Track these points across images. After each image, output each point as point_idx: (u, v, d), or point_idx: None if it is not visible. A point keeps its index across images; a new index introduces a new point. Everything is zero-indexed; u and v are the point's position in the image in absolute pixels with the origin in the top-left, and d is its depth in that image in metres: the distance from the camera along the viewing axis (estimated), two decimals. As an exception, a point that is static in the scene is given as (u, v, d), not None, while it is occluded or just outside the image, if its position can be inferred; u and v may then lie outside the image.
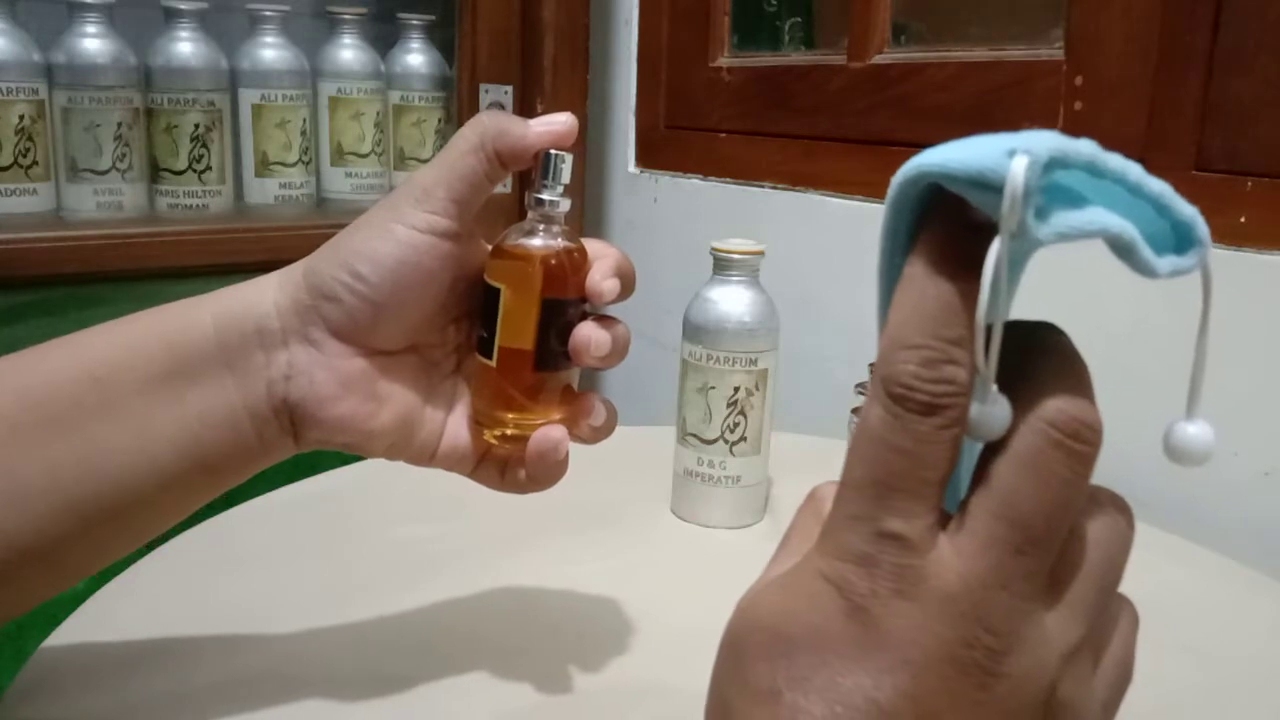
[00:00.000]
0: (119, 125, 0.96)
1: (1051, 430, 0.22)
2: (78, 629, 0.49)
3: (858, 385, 0.67)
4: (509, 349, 0.40)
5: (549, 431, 0.41)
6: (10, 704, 0.43)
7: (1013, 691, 0.22)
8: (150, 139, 0.99)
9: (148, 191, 1.00)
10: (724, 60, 1.08)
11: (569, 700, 0.46)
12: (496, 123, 0.39)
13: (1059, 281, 0.71)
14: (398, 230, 0.39)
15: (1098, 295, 0.72)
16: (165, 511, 0.40)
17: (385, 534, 0.61)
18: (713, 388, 0.62)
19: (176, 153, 0.99)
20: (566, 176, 0.41)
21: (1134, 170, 0.22)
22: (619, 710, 0.45)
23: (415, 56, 1.12)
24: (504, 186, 1.03)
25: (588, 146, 1.15)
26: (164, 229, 0.96)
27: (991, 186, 0.20)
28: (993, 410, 0.22)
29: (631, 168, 1.19)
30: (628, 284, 0.41)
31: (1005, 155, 0.20)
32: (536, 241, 0.41)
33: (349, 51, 1.08)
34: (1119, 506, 0.25)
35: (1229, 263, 0.67)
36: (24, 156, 0.92)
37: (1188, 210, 0.23)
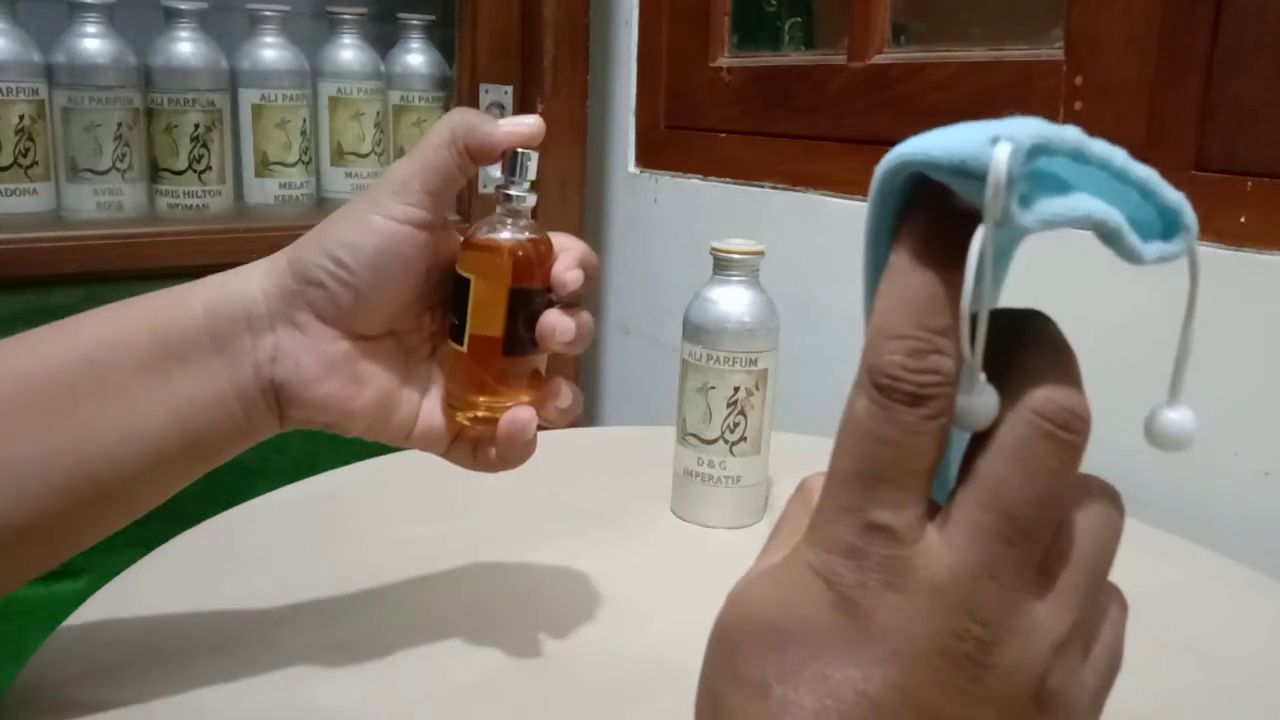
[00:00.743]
0: (119, 125, 0.96)
1: (1040, 420, 0.22)
2: (78, 629, 0.49)
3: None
4: (479, 335, 0.43)
5: (517, 413, 0.43)
6: (10, 704, 0.43)
7: (1003, 682, 0.22)
8: (150, 139, 0.99)
9: (148, 191, 1.00)
10: (724, 60, 1.08)
11: (569, 700, 0.46)
12: (467, 120, 0.42)
13: (1055, 276, 0.71)
14: (377, 220, 0.41)
15: (1095, 291, 0.72)
16: (156, 488, 0.42)
17: (385, 534, 0.61)
18: (713, 388, 0.62)
19: (176, 153, 0.99)
20: (532, 174, 0.44)
21: (1119, 156, 0.22)
22: (619, 710, 0.45)
23: (415, 56, 1.12)
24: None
25: (588, 146, 1.15)
26: (164, 229, 0.97)
27: (975, 174, 0.20)
28: (980, 400, 0.22)
29: (631, 168, 1.19)
30: (591, 274, 0.44)
31: (988, 143, 0.20)
32: (504, 234, 0.43)
33: (349, 51, 1.08)
34: (1109, 495, 0.25)
35: (1229, 263, 0.67)
36: (24, 156, 0.92)
37: (1174, 196, 0.23)
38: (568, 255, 0.44)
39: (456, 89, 1.12)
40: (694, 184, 1.10)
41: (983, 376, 0.22)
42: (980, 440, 0.22)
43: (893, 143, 0.22)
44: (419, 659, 0.48)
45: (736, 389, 0.62)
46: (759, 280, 0.63)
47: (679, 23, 1.12)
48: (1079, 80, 0.75)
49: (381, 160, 1.11)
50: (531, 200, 0.44)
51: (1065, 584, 0.23)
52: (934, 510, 0.23)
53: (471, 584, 0.55)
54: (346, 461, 0.71)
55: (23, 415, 0.38)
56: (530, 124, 0.43)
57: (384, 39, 1.13)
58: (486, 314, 0.43)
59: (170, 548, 0.57)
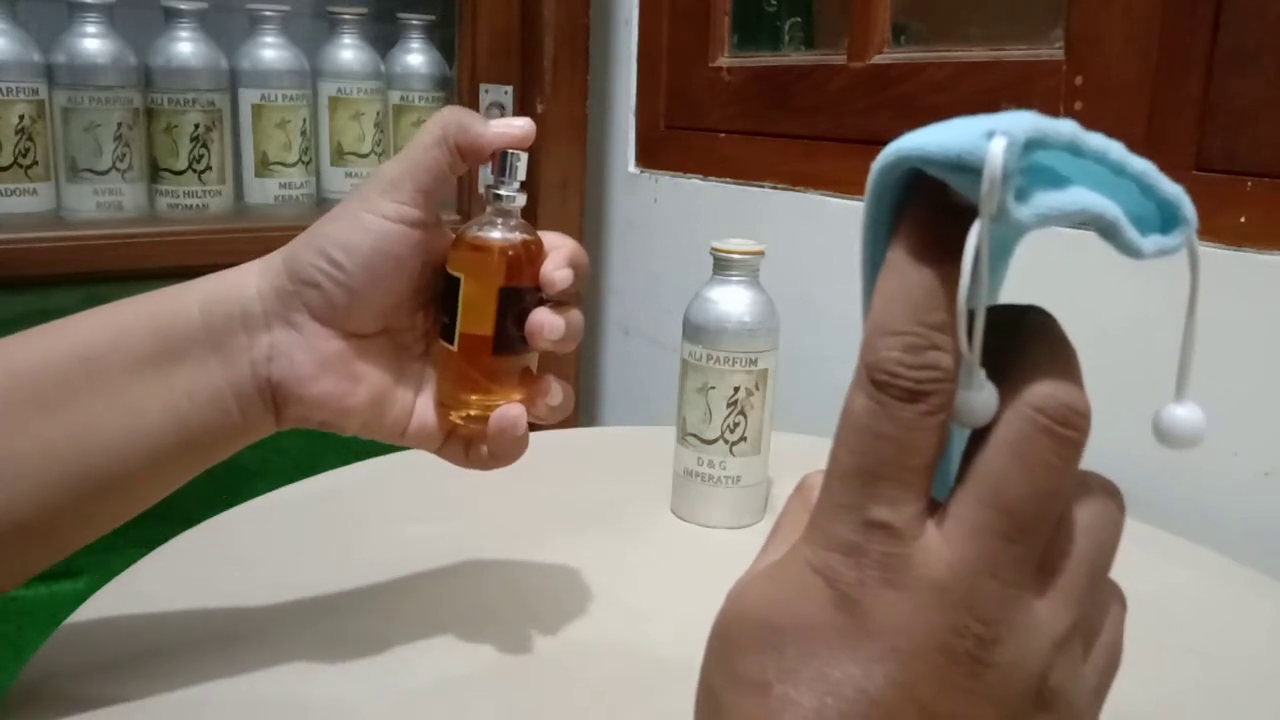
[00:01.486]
0: (119, 125, 0.96)
1: (1039, 416, 0.22)
2: (78, 629, 0.49)
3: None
4: (469, 334, 0.43)
5: (507, 410, 0.43)
6: (10, 704, 0.43)
7: (1004, 679, 0.22)
8: (150, 139, 0.99)
9: (148, 191, 1.00)
10: (724, 60, 1.08)
11: (569, 700, 0.46)
12: (458, 119, 0.42)
13: (1058, 275, 0.71)
14: (369, 219, 0.41)
15: (1098, 291, 0.72)
16: (154, 485, 0.42)
17: (385, 533, 0.61)
18: (713, 388, 0.62)
19: (176, 153, 0.99)
20: (522, 174, 0.44)
21: (1115, 149, 0.22)
22: (619, 709, 0.45)
23: (415, 56, 1.12)
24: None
25: (588, 146, 1.15)
26: (164, 229, 0.97)
27: (970, 169, 0.20)
28: (978, 396, 0.22)
29: (631, 168, 1.19)
30: (581, 273, 0.44)
31: (983, 137, 0.20)
32: (494, 234, 0.44)
33: (349, 51, 1.08)
34: (1109, 492, 0.24)
35: (1229, 263, 0.67)
36: (24, 156, 0.92)
37: (1172, 189, 0.22)
38: (557, 254, 0.44)
39: (456, 89, 1.12)
40: (694, 184, 1.10)
41: (982, 372, 0.22)
42: (980, 436, 0.22)
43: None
44: (419, 659, 0.48)
45: (736, 389, 0.62)
46: (759, 280, 0.63)
47: (679, 23, 1.12)
48: (1079, 80, 0.75)
49: (382, 160, 1.11)
50: (521, 200, 0.44)
51: (1066, 581, 0.23)
52: (933, 507, 0.23)
53: (471, 584, 0.55)
54: (346, 461, 0.71)
55: (19, 412, 0.39)
56: (520, 125, 0.43)
57: (384, 39, 1.13)
58: (476, 313, 0.43)
59: (170, 548, 0.57)
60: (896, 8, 0.92)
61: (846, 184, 0.93)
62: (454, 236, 0.45)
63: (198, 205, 1.01)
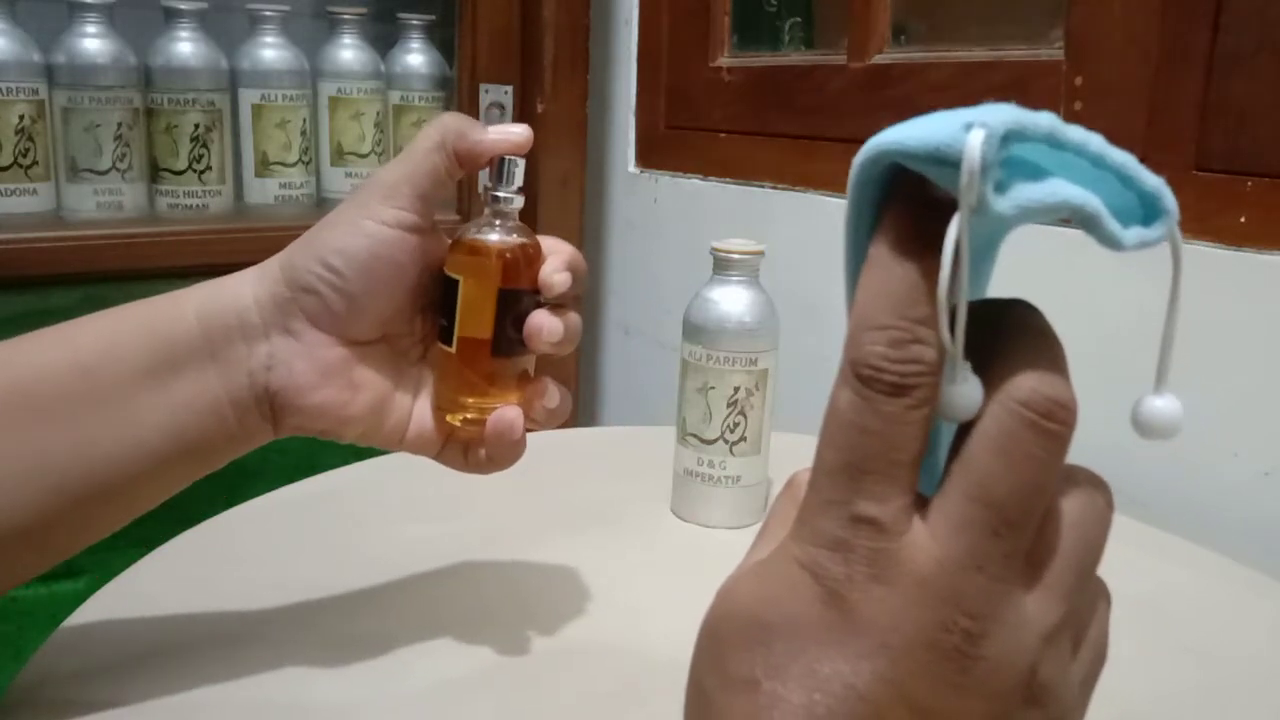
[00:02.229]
0: (119, 125, 0.96)
1: (1024, 410, 0.21)
2: (78, 629, 0.49)
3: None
4: (467, 337, 0.43)
5: (504, 413, 0.43)
6: (10, 704, 0.43)
7: (992, 674, 0.22)
8: (150, 139, 0.99)
9: (148, 191, 1.00)
10: (724, 60, 1.08)
11: (569, 700, 0.46)
12: (457, 125, 0.42)
13: (1059, 275, 0.71)
14: (367, 225, 0.41)
15: (1101, 292, 0.72)
16: (150, 493, 0.42)
17: (385, 533, 0.61)
18: (713, 388, 0.62)
19: (176, 153, 0.99)
20: (519, 179, 0.44)
21: (1095, 141, 0.22)
22: (619, 709, 0.45)
23: (415, 56, 1.12)
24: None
25: (588, 146, 1.15)
26: (164, 229, 0.97)
27: (949, 161, 0.20)
28: (963, 390, 0.22)
29: (631, 168, 1.19)
30: (579, 277, 0.44)
31: (962, 129, 0.20)
32: (493, 236, 0.44)
33: (349, 51, 1.08)
34: (1097, 485, 0.24)
35: (1229, 263, 0.67)
36: (24, 156, 0.92)
37: (1152, 180, 0.22)
38: (556, 258, 0.44)
39: (456, 89, 1.12)
40: (694, 184, 1.10)
41: (966, 366, 0.22)
42: (966, 431, 0.22)
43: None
44: (419, 659, 0.48)
45: (736, 389, 0.62)
46: (759, 280, 0.63)
47: (679, 23, 1.12)
48: (1079, 80, 0.75)
49: (381, 160, 1.11)
50: (519, 202, 0.44)
51: (1053, 575, 0.23)
52: (920, 502, 0.23)
53: (471, 584, 0.55)
54: (347, 461, 0.71)
55: (16, 420, 0.38)
56: (518, 132, 0.43)
57: (384, 39, 1.13)
58: (475, 315, 0.43)
59: (170, 548, 0.57)
60: (896, 8, 0.92)
61: (846, 184, 0.93)
62: (452, 239, 0.45)
63: (198, 205, 1.01)
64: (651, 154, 1.17)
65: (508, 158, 0.43)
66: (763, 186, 1.02)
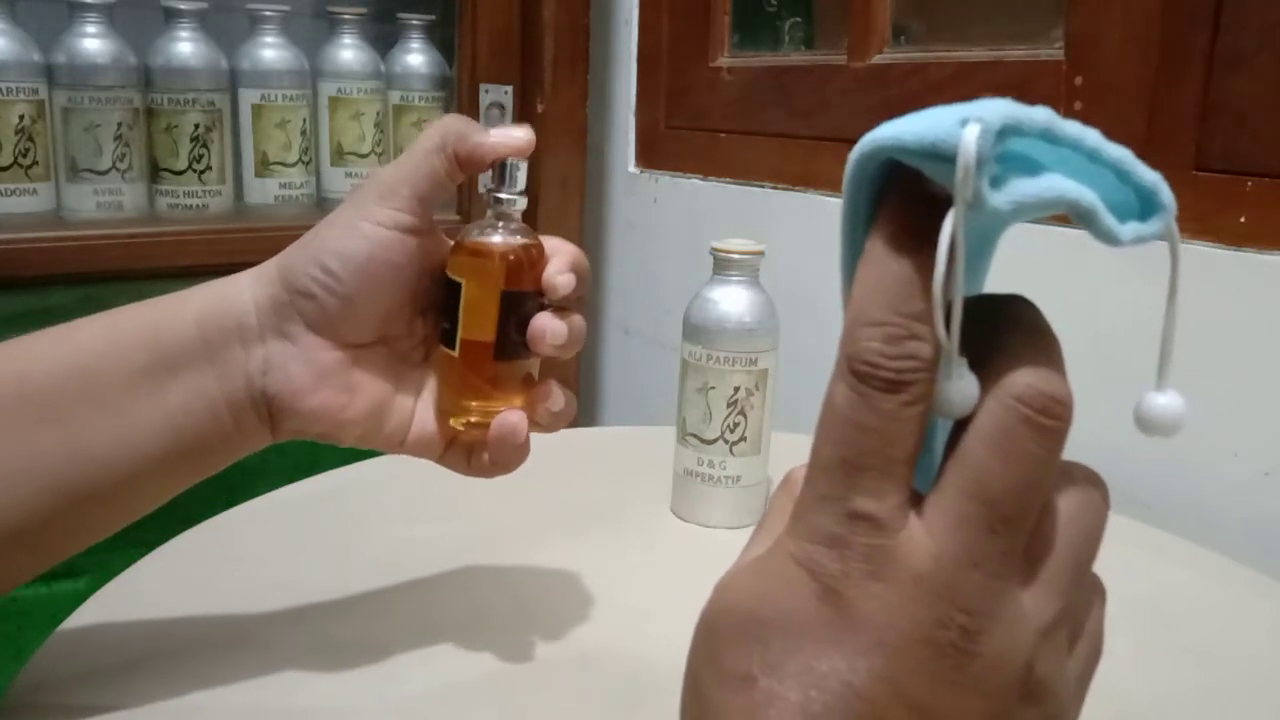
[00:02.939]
0: (119, 125, 0.96)
1: (1020, 406, 0.21)
2: (78, 629, 0.49)
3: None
4: (470, 340, 0.43)
5: (508, 416, 0.43)
6: (10, 704, 0.43)
7: (989, 670, 0.22)
8: (150, 139, 0.99)
9: (148, 191, 1.00)
10: (724, 60, 1.08)
11: (569, 700, 0.46)
12: (458, 128, 0.42)
13: (1063, 276, 0.71)
14: (365, 227, 0.41)
15: (1104, 292, 0.72)
16: (147, 496, 0.42)
17: (385, 534, 0.61)
18: (713, 388, 0.62)
19: (176, 153, 0.99)
20: (522, 181, 0.44)
21: (1091, 136, 0.22)
22: (619, 710, 0.45)
23: (415, 56, 1.12)
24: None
25: (588, 146, 1.15)
26: (164, 229, 0.97)
27: (945, 157, 0.20)
28: (959, 386, 0.22)
29: (631, 168, 1.19)
30: (583, 279, 0.44)
31: (957, 124, 0.20)
32: (496, 238, 0.43)
33: (349, 51, 1.08)
34: (1093, 481, 0.24)
35: (1229, 263, 0.67)
36: (24, 156, 0.92)
37: (1150, 176, 0.22)
38: (559, 259, 0.44)
39: (456, 89, 1.12)
40: (694, 184, 1.10)
41: (963, 362, 0.22)
42: (962, 427, 0.22)
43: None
44: (419, 659, 0.48)
45: (736, 389, 0.62)
46: (759, 280, 0.63)
47: (679, 23, 1.12)
48: (1079, 80, 0.75)
49: (382, 160, 1.11)
50: (522, 204, 0.44)
51: (1050, 571, 0.23)
52: (917, 499, 0.23)
53: (471, 584, 0.55)
54: (346, 461, 0.71)
55: (12, 421, 0.38)
56: (520, 135, 0.43)
57: (384, 39, 1.13)
58: (477, 318, 0.43)
59: (170, 548, 0.57)
60: (896, 8, 0.92)
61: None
62: (454, 241, 0.44)
63: (198, 205, 1.01)
64: (651, 154, 1.17)
65: (510, 160, 0.43)
66: (763, 186, 1.02)
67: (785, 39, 1.09)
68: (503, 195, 0.44)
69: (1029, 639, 0.22)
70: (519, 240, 0.43)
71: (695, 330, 0.62)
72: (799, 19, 1.09)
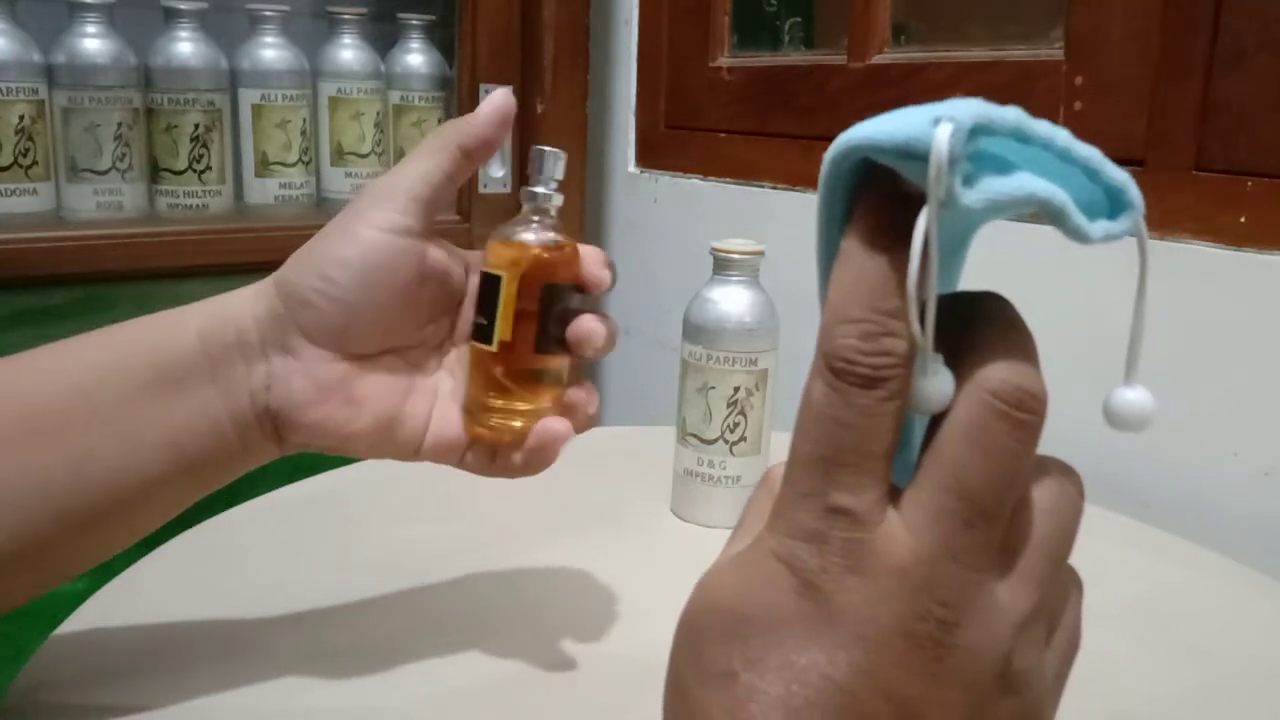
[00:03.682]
0: (119, 125, 0.96)
1: (994, 400, 0.22)
2: (78, 629, 0.49)
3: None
4: (509, 334, 0.42)
5: (552, 424, 0.43)
6: (10, 704, 0.43)
7: (967, 662, 0.22)
8: (150, 139, 0.99)
9: (148, 191, 1.00)
10: (724, 60, 1.08)
11: (569, 701, 0.46)
12: (454, 124, 0.42)
13: (1059, 280, 0.71)
14: (361, 231, 0.40)
15: (1099, 294, 0.72)
16: (152, 514, 0.42)
17: (386, 534, 0.61)
18: (713, 388, 0.62)
19: (176, 153, 0.99)
20: (559, 172, 0.43)
21: (1062, 135, 0.22)
22: (619, 710, 0.45)
23: (415, 56, 1.12)
24: (503, 186, 1.03)
25: (588, 146, 1.15)
26: (164, 229, 0.97)
27: (918, 155, 0.20)
28: (934, 382, 0.22)
29: (631, 168, 1.19)
30: (614, 276, 0.44)
31: (930, 123, 0.20)
32: (532, 233, 0.43)
33: (349, 51, 1.08)
34: (1067, 474, 0.25)
35: (1229, 263, 0.67)
36: (24, 156, 0.92)
37: (1119, 174, 0.23)
38: (594, 256, 0.43)
39: (456, 89, 1.12)
40: (694, 184, 1.10)
41: (938, 358, 0.22)
42: (939, 422, 0.23)
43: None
44: (419, 659, 0.48)
45: (736, 389, 0.62)
46: (759, 280, 0.63)
47: (679, 23, 1.12)
48: (1079, 80, 0.75)
49: (381, 160, 1.11)
50: (558, 200, 0.43)
51: (1026, 564, 0.23)
52: (894, 493, 0.23)
53: (471, 584, 0.55)
54: (346, 462, 0.71)
55: (14, 440, 0.38)
56: (499, 96, 0.42)
57: (384, 39, 1.13)
58: (518, 311, 0.42)
59: (170, 548, 0.57)
60: (896, 8, 0.92)
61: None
62: (490, 237, 0.44)
63: (198, 205, 1.00)
64: (651, 154, 1.17)
65: (545, 150, 0.42)
66: (763, 186, 1.02)
67: (785, 39, 1.09)
68: (538, 190, 0.43)
69: (1006, 631, 0.22)
70: (555, 236, 0.43)
71: (695, 330, 0.62)
72: (799, 19, 1.09)
